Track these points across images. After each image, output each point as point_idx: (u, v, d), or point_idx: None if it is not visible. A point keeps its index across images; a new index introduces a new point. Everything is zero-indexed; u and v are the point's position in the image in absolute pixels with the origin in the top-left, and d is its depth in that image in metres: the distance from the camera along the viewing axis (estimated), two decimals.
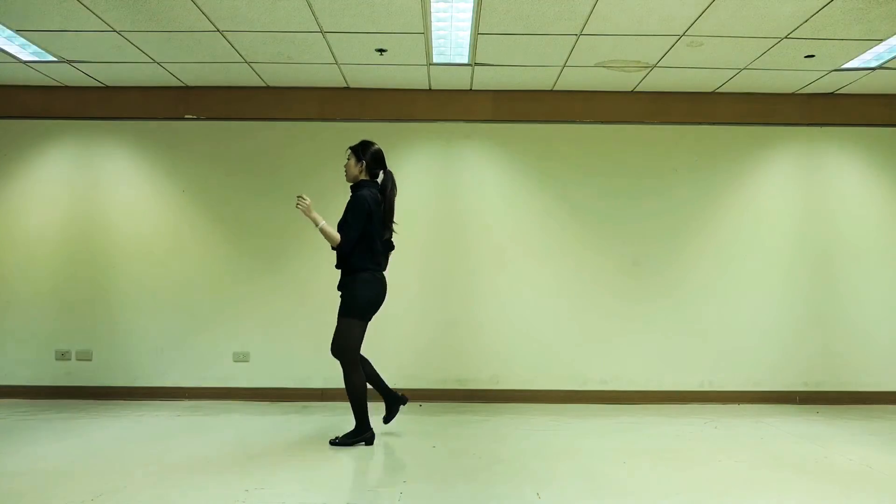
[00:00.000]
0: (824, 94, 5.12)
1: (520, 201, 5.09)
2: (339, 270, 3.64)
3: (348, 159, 3.70)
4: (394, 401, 3.81)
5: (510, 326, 4.99)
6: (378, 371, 3.81)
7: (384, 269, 3.67)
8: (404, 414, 4.51)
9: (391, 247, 3.73)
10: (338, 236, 3.50)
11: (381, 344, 4.99)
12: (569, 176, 5.10)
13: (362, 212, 3.51)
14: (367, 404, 3.58)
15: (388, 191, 3.64)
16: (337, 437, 3.63)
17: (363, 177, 3.66)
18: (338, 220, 3.58)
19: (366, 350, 5.05)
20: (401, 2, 3.60)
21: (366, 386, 3.60)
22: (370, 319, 3.63)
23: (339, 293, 3.63)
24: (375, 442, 3.65)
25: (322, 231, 3.52)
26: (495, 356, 4.97)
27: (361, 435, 3.60)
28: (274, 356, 4.98)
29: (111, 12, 3.73)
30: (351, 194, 3.64)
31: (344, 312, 3.57)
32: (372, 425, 3.63)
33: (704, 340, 5.03)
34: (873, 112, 5.13)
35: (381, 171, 3.69)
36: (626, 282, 5.05)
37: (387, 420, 3.83)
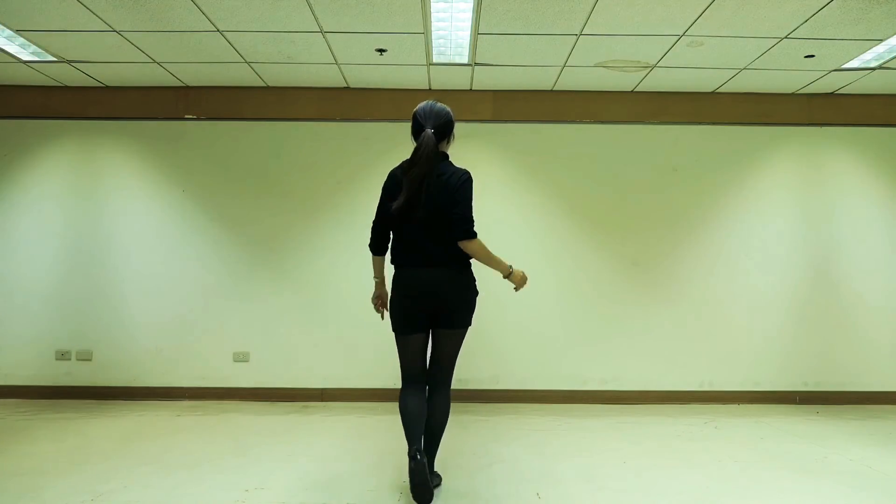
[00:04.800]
0: (824, 94, 5.12)
1: (519, 201, 5.08)
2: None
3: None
4: None
5: (510, 326, 4.99)
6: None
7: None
8: None
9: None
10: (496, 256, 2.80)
11: (381, 344, 5.01)
12: (568, 176, 5.10)
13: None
14: (408, 427, 2.69)
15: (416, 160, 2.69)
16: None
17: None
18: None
19: (366, 349, 5.10)
20: (401, 2, 3.60)
21: (408, 409, 2.73)
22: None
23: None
24: (374, 443, 3.63)
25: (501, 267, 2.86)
26: (495, 356, 4.97)
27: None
28: (274, 356, 4.98)
29: (111, 12, 3.73)
30: None
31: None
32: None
33: (704, 340, 5.03)
34: (873, 112, 5.13)
35: (415, 137, 2.77)
36: (626, 281, 5.05)
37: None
